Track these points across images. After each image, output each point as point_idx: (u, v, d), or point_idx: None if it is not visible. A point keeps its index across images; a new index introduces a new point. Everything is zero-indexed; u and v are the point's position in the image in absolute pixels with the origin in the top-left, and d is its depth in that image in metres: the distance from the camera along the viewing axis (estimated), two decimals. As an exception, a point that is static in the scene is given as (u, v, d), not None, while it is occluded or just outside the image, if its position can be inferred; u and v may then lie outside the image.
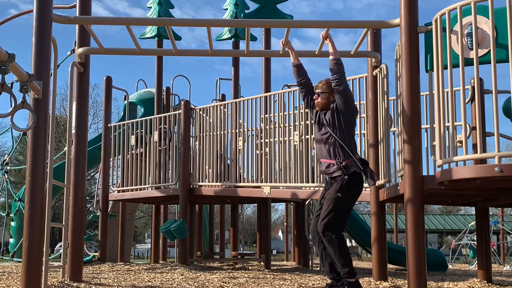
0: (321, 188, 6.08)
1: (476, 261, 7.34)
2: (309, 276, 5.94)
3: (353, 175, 3.97)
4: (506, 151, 4.04)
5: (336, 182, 3.98)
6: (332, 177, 4.04)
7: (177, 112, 8.16)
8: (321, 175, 4.15)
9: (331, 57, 4.19)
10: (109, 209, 9.14)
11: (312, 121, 4.33)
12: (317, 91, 4.20)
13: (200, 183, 7.65)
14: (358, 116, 5.89)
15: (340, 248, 3.91)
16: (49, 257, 5.44)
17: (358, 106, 5.84)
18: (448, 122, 4.19)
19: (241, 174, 7.44)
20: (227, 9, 10.18)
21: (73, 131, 5.31)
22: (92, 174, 29.02)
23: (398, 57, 4.37)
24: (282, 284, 5.00)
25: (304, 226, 8.49)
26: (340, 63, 4.16)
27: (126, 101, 10.26)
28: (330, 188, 4.03)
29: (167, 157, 8.18)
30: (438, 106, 3.79)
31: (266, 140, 6.91)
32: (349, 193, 3.98)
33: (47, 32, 4.21)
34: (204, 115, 7.71)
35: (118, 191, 8.75)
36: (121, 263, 8.50)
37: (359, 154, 4.37)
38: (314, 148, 6.32)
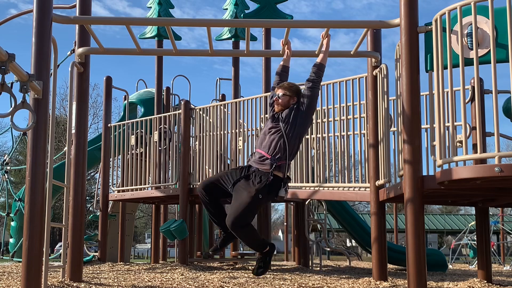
0: (321, 188, 6.09)
1: (476, 261, 7.34)
2: (309, 276, 5.94)
3: (275, 180, 3.91)
4: (506, 151, 4.04)
5: (260, 180, 3.89)
6: (260, 169, 3.93)
7: (177, 112, 8.16)
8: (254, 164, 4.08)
9: (320, 59, 4.23)
10: (109, 209, 9.14)
11: (268, 115, 4.32)
12: (278, 92, 4.14)
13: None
14: (358, 116, 5.90)
15: (249, 237, 3.95)
16: (49, 257, 5.44)
17: (358, 106, 5.86)
18: (448, 122, 4.19)
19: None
20: (227, 9, 10.19)
21: (73, 131, 5.31)
22: (92, 174, 29.03)
23: (398, 57, 4.37)
24: (282, 284, 5.00)
25: (304, 226, 8.49)
26: (323, 70, 4.22)
27: (126, 101, 10.26)
28: (250, 181, 3.92)
29: (167, 157, 8.19)
30: (438, 106, 3.79)
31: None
32: (267, 196, 3.94)
33: (47, 32, 4.21)
34: (204, 115, 7.71)
35: (118, 191, 8.75)
36: (121, 263, 8.50)
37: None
38: (313, 148, 6.32)
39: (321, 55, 4.26)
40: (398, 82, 4.43)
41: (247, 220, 3.88)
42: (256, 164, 3.99)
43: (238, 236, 3.94)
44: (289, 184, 6.33)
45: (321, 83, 4.40)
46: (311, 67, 4.21)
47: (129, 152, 8.53)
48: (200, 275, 5.99)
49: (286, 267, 8.73)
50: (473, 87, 5.13)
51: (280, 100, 4.11)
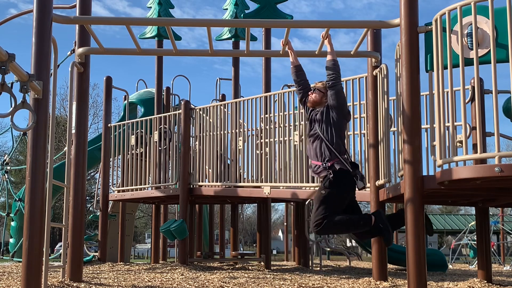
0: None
1: (476, 261, 7.34)
2: (309, 276, 5.94)
3: (339, 173, 4.05)
4: (506, 151, 4.03)
5: (322, 182, 4.13)
6: (320, 177, 4.19)
7: (177, 112, 8.16)
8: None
9: (329, 57, 4.33)
10: (109, 209, 9.14)
11: (306, 120, 4.52)
12: (314, 87, 4.35)
13: (200, 183, 7.65)
14: (358, 116, 5.90)
15: (343, 226, 4.05)
16: (49, 257, 5.44)
17: (358, 106, 5.86)
18: (448, 122, 4.19)
19: (241, 174, 7.44)
20: (227, 9, 10.18)
21: (73, 131, 5.31)
22: (92, 174, 29.02)
23: (398, 57, 4.37)
24: (282, 284, 5.00)
25: (304, 226, 8.49)
26: (337, 64, 4.30)
27: (126, 101, 10.26)
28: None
29: (167, 157, 8.19)
30: (438, 106, 3.79)
31: (266, 140, 6.91)
32: (334, 190, 4.04)
33: (47, 32, 4.21)
34: (204, 115, 7.71)
35: (118, 191, 8.75)
36: (121, 263, 8.50)
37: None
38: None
39: (329, 56, 4.35)
40: (398, 82, 4.43)
41: (325, 218, 3.94)
42: (315, 174, 4.25)
43: (330, 233, 4.16)
44: (291, 183, 6.39)
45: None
46: (325, 70, 4.29)
47: (129, 152, 8.53)
48: (200, 275, 5.99)
49: (286, 267, 8.73)
50: (473, 87, 5.13)
51: (313, 95, 4.30)
